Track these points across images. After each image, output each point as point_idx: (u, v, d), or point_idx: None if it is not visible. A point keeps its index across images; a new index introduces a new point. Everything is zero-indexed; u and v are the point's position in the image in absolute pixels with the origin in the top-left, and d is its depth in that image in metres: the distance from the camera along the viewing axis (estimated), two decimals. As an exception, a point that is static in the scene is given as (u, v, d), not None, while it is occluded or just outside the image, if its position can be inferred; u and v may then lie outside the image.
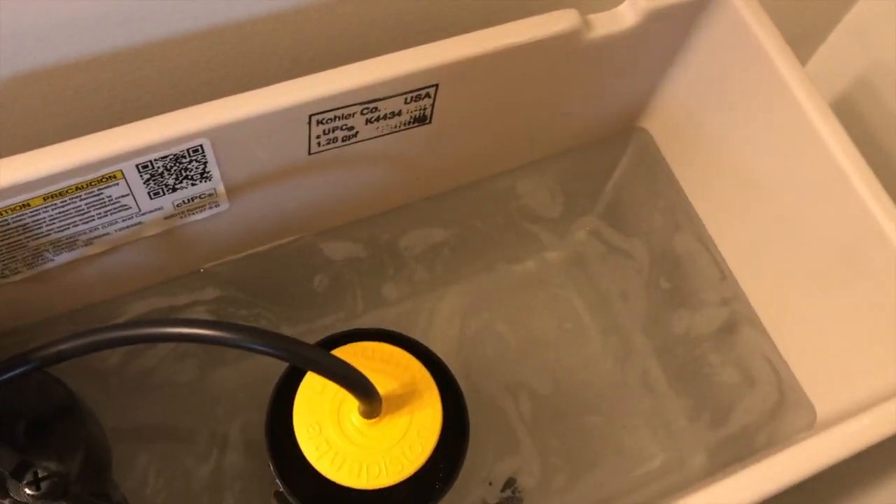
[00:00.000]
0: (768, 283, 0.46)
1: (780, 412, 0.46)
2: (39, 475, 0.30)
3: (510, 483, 0.50)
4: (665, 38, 0.44)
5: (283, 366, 0.40)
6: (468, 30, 0.38)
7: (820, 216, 0.41)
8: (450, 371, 0.41)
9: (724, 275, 0.48)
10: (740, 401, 0.48)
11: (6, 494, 0.35)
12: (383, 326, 0.42)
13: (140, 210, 0.38)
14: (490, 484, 0.50)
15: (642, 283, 0.53)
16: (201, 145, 0.35)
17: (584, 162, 0.51)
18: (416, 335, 0.41)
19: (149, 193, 0.37)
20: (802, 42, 0.66)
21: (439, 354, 0.41)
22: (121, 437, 0.45)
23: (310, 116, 0.37)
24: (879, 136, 0.61)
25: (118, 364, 0.46)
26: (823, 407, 0.44)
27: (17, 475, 0.30)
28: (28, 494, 0.30)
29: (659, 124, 0.50)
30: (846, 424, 0.34)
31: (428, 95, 0.39)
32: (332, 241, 0.48)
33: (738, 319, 0.47)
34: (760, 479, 0.32)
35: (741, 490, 0.32)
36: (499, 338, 0.53)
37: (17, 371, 0.33)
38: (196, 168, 0.37)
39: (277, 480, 0.38)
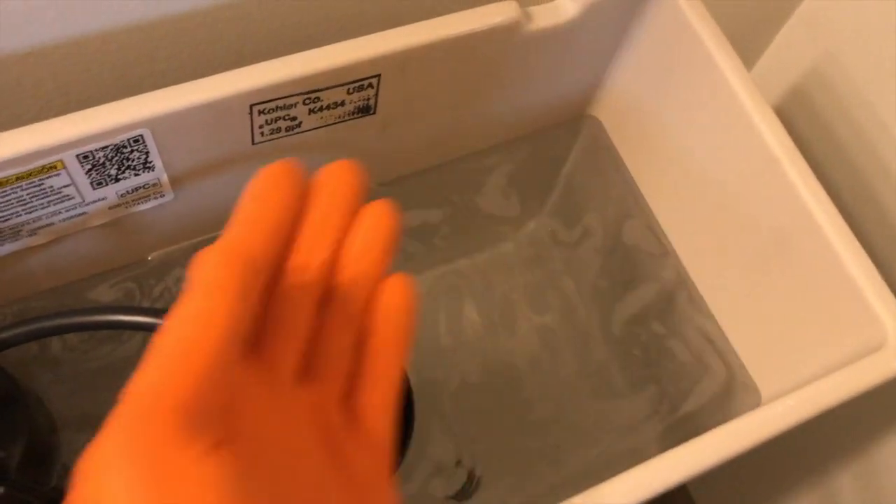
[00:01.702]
0: (711, 268, 0.47)
1: (729, 395, 0.47)
2: (-22, 461, 0.30)
3: (458, 465, 0.51)
4: (606, 29, 0.44)
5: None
6: (414, 21, 0.39)
7: (755, 202, 0.42)
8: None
9: (671, 260, 0.49)
10: (690, 385, 0.49)
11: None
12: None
13: (84, 200, 0.38)
14: (441, 470, 0.51)
15: (592, 270, 0.54)
16: (142, 135, 0.36)
17: (535, 149, 0.51)
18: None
19: (91, 184, 0.37)
20: (755, 36, 0.67)
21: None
22: (72, 423, 0.45)
23: (251, 106, 0.37)
24: (832, 128, 0.62)
25: (69, 350, 0.46)
26: (767, 390, 0.45)
27: (-45, 462, 0.30)
28: (-33, 480, 0.30)
29: (608, 112, 0.51)
30: (776, 404, 0.35)
31: (371, 86, 0.40)
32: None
33: (683, 303, 0.48)
34: (702, 451, 0.33)
35: (681, 464, 0.33)
36: (448, 325, 0.54)
37: (-43, 359, 0.33)
38: (138, 158, 0.37)
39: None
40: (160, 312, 0.33)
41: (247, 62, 0.42)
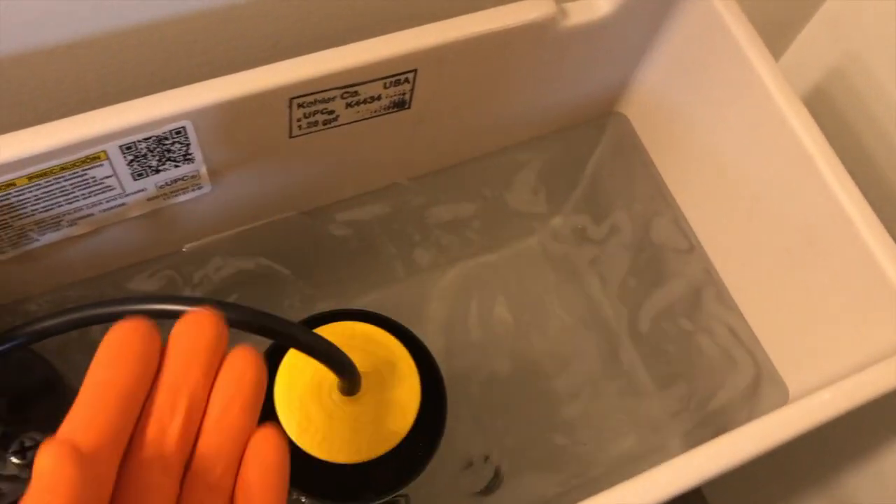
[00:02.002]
0: (740, 264, 0.47)
1: (756, 391, 0.47)
2: (26, 444, 0.31)
3: (487, 460, 0.51)
4: (638, 26, 0.45)
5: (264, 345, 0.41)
6: (450, 17, 0.39)
7: (786, 198, 0.42)
8: (429, 350, 0.42)
9: (699, 257, 0.50)
10: (719, 380, 0.49)
11: (-8, 469, 0.36)
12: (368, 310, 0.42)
13: (124, 191, 0.38)
14: (471, 464, 0.51)
15: (619, 267, 0.54)
16: (184, 127, 0.36)
17: (563, 145, 0.52)
18: (403, 318, 0.42)
19: (132, 175, 0.38)
20: (777, 34, 0.67)
21: (427, 339, 0.42)
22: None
23: (290, 100, 0.38)
24: (853, 126, 0.62)
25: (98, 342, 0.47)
26: (795, 386, 0.45)
27: (3, 444, 0.31)
28: (14, 463, 0.31)
29: (636, 109, 0.51)
30: (809, 399, 0.35)
31: (407, 80, 0.40)
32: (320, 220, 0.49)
33: (711, 300, 0.49)
34: (730, 448, 0.34)
35: (713, 459, 0.34)
36: (478, 318, 0.54)
37: (6, 346, 0.33)
38: (179, 150, 0.37)
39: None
40: (202, 301, 0.34)
41: (281, 57, 0.42)
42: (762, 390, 0.46)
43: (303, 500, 0.40)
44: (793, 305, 0.44)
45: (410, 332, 0.42)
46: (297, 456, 0.38)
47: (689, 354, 0.50)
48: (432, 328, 0.53)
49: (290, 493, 0.44)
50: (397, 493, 0.42)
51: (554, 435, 0.52)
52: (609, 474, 0.52)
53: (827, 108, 0.63)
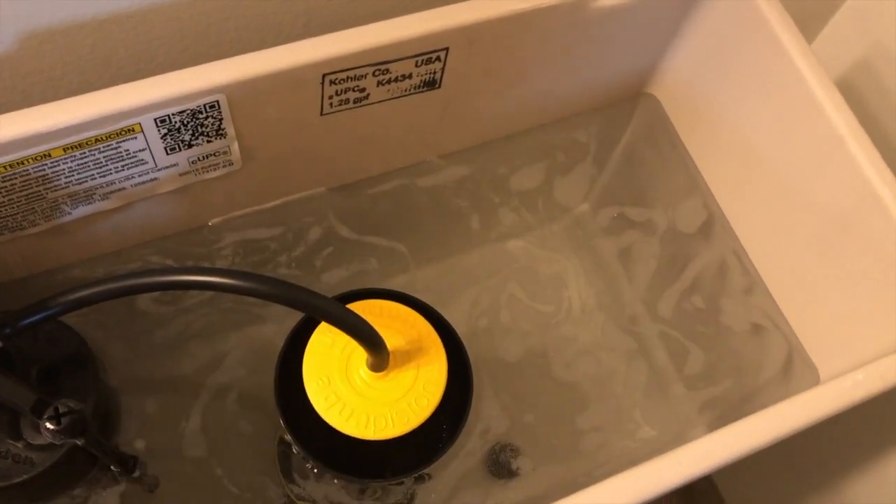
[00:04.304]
0: (770, 247, 0.47)
1: (787, 374, 0.47)
2: (61, 410, 0.31)
3: (508, 445, 0.51)
4: (671, 7, 0.45)
5: (291, 324, 0.41)
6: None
7: (818, 181, 0.42)
8: (456, 332, 0.42)
9: (729, 239, 0.49)
10: (748, 367, 0.49)
11: (19, 437, 0.36)
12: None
13: (156, 165, 0.39)
14: (491, 448, 0.51)
15: (646, 249, 0.54)
16: (218, 101, 0.36)
17: (591, 126, 0.52)
18: (430, 299, 0.42)
19: (165, 148, 0.38)
20: (805, 26, 0.66)
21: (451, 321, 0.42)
22: (125, 387, 0.46)
23: (323, 76, 0.38)
24: (880, 118, 0.61)
25: (127, 317, 0.47)
26: (826, 369, 0.45)
27: (37, 411, 0.31)
28: (49, 429, 0.31)
29: (666, 90, 0.51)
30: (841, 380, 0.35)
31: (438, 59, 0.40)
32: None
33: (740, 283, 0.48)
34: (764, 425, 0.34)
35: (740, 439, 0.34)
36: (504, 302, 0.54)
37: (41, 316, 0.34)
38: (212, 124, 0.38)
39: (286, 430, 0.39)
40: (235, 274, 0.34)
41: (312, 34, 0.42)
42: (793, 376, 0.46)
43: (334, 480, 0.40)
44: (824, 288, 0.43)
45: (437, 314, 0.42)
46: (325, 431, 0.38)
47: (718, 337, 0.50)
48: (458, 310, 0.53)
49: (318, 470, 0.45)
50: (420, 472, 0.42)
51: (574, 419, 0.52)
52: (634, 463, 0.52)
53: (853, 99, 0.63)
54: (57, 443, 0.32)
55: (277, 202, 0.46)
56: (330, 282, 0.51)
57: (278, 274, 0.49)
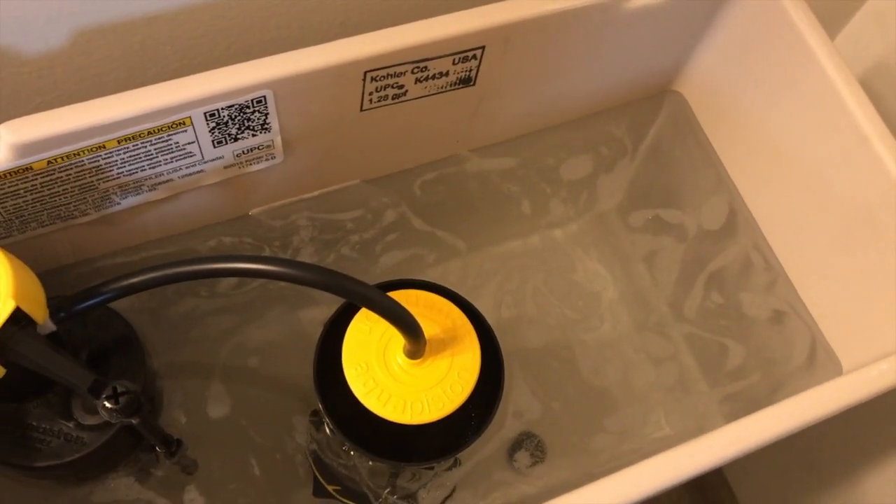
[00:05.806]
0: (795, 242, 0.48)
1: (810, 367, 0.47)
2: (119, 390, 0.32)
3: (534, 435, 0.52)
4: (699, 7, 0.46)
5: (328, 312, 0.42)
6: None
7: (842, 178, 0.43)
8: (488, 323, 0.43)
9: (754, 234, 0.50)
10: (771, 359, 0.50)
11: (70, 417, 0.38)
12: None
13: (203, 158, 0.40)
14: (518, 437, 0.53)
15: (671, 243, 0.55)
16: (265, 96, 0.38)
17: (618, 123, 0.53)
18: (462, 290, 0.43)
19: (213, 142, 0.39)
20: (824, 26, 0.67)
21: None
22: (165, 371, 0.47)
23: (365, 73, 0.39)
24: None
25: (163, 304, 0.48)
26: (849, 362, 0.46)
27: (95, 391, 0.32)
28: (107, 408, 0.32)
29: (692, 88, 0.52)
30: (865, 370, 0.36)
31: (475, 57, 0.41)
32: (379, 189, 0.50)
33: (764, 277, 0.49)
34: (788, 414, 0.35)
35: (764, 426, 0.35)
36: (530, 294, 0.55)
37: (94, 301, 0.35)
38: (258, 119, 0.39)
39: (324, 414, 0.41)
40: (279, 261, 0.35)
41: (348, 33, 0.44)
42: (816, 369, 0.47)
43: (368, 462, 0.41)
44: (848, 282, 0.44)
45: (470, 304, 0.43)
46: (363, 416, 0.39)
47: (741, 332, 0.51)
48: (488, 302, 0.54)
49: (354, 452, 0.46)
50: (450, 456, 0.43)
51: (598, 412, 0.53)
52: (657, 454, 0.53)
53: (871, 99, 0.64)
54: (113, 421, 0.33)
55: (315, 193, 0.47)
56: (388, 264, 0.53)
57: (341, 255, 0.51)
